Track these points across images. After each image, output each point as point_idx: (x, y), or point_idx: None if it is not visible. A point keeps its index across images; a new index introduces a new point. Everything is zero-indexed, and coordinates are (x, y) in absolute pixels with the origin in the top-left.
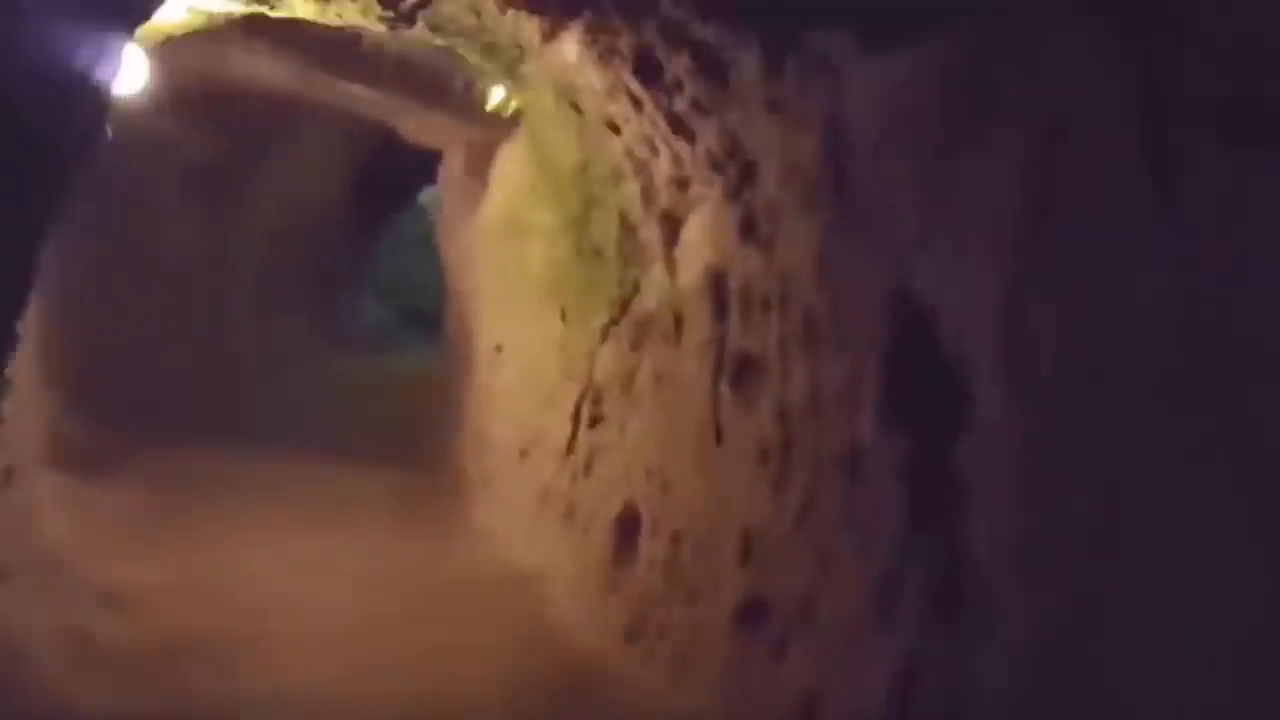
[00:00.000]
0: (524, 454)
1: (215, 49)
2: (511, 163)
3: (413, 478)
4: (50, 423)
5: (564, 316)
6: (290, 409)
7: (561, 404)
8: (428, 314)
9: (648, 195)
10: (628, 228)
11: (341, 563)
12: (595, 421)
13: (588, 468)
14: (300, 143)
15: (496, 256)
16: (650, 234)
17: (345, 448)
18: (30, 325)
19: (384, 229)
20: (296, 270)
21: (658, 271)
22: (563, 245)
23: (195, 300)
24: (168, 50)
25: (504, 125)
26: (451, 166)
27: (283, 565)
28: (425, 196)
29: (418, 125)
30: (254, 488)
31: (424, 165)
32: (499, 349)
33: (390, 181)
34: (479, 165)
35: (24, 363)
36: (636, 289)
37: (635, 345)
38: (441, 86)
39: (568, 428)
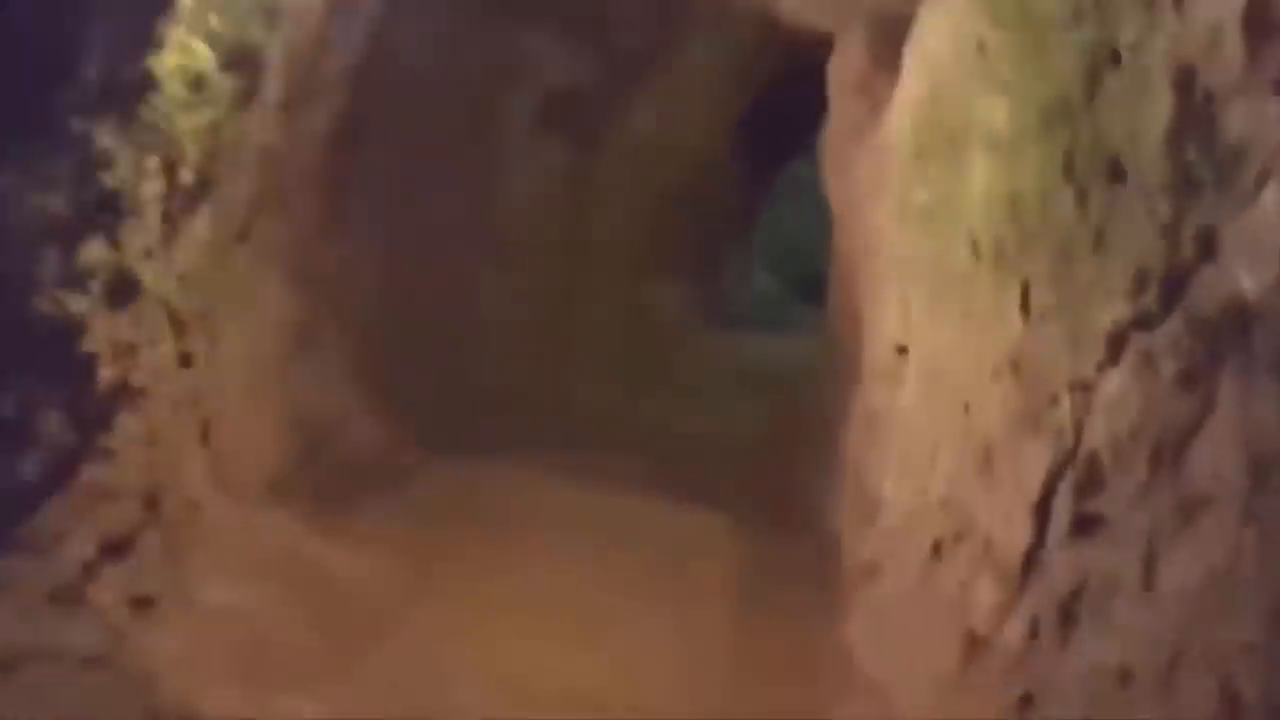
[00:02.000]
0: (938, 549)
1: None
2: (938, 30)
3: (767, 536)
4: (282, 432)
5: (1025, 303)
6: (649, 401)
7: (1013, 474)
8: (823, 283)
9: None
10: (1191, 114)
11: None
12: (1086, 525)
13: (1067, 618)
14: (680, 66)
15: (905, 193)
16: (1257, 123)
17: (694, 468)
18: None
19: (776, 179)
20: (672, 227)
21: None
22: (1034, 160)
23: (540, 263)
24: None
25: None
26: (844, 64)
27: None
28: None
29: None
30: (549, 533)
31: (811, 111)
32: (901, 351)
33: (785, 119)
34: (883, 58)
35: (272, 337)
36: (1206, 251)
37: (1191, 375)
38: None
39: (1025, 526)
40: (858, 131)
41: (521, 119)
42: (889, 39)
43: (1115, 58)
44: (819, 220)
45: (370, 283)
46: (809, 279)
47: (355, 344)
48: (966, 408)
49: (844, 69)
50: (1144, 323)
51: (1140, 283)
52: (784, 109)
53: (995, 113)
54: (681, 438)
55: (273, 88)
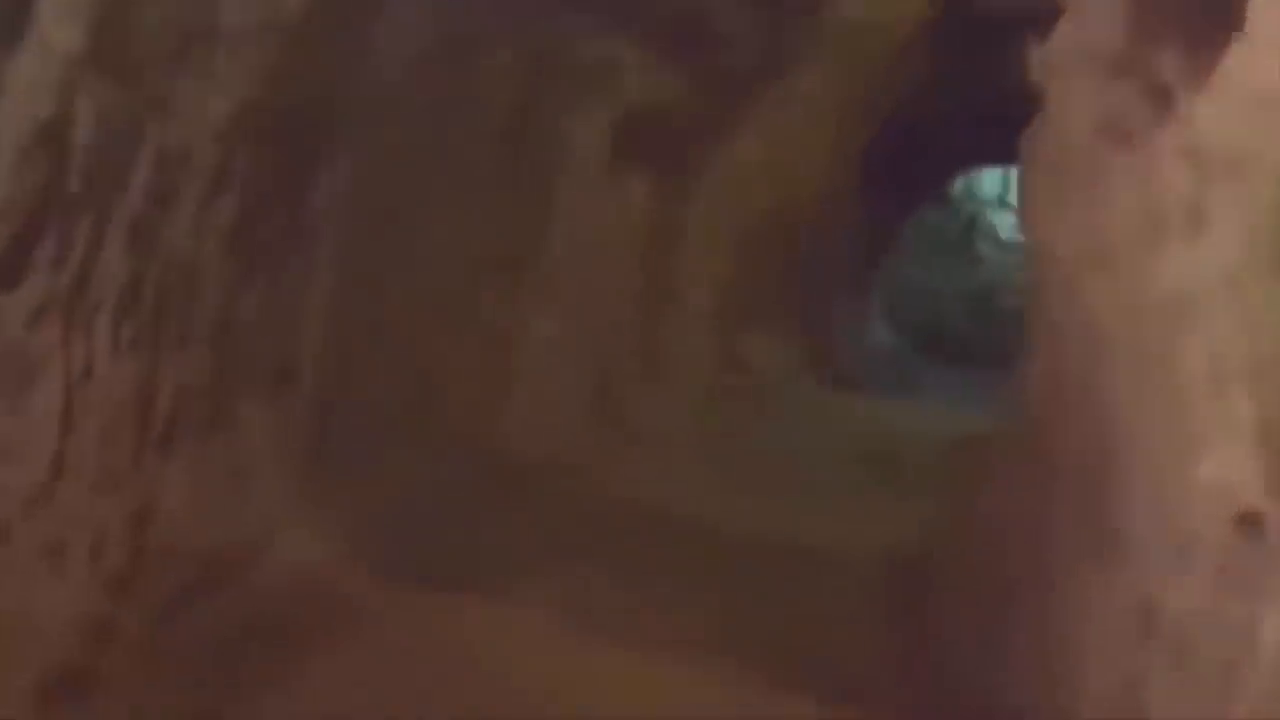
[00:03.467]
0: None
1: None
2: None
3: None
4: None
5: None
6: (735, 496)
7: None
8: (953, 340)
9: None
10: None
11: None
12: None
13: None
14: (795, 86)
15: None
16: None
17: (800, 616)
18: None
19: (902, 226)
20: (778, 272)
21: None
22: None
23: (606, 312)
24: None
25: None
26: (1079, 36)
27: None
28: (961, 187)
29: None
30: None
31: (964, 140)
32: (1251, 523)
33: (915, 161)
34: (1161, 19)
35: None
36: None
37: None
38: None
39: None
40: (1115, 135)
41: (589, 141)
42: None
43: None
44: (952, 274)
45: (321, 333)
46: (933, 333)
47: (291, 421)
48: None
49: (1079, 42)
50: None
51: None
52: (918, 144)
53: None
54: (781, 556)
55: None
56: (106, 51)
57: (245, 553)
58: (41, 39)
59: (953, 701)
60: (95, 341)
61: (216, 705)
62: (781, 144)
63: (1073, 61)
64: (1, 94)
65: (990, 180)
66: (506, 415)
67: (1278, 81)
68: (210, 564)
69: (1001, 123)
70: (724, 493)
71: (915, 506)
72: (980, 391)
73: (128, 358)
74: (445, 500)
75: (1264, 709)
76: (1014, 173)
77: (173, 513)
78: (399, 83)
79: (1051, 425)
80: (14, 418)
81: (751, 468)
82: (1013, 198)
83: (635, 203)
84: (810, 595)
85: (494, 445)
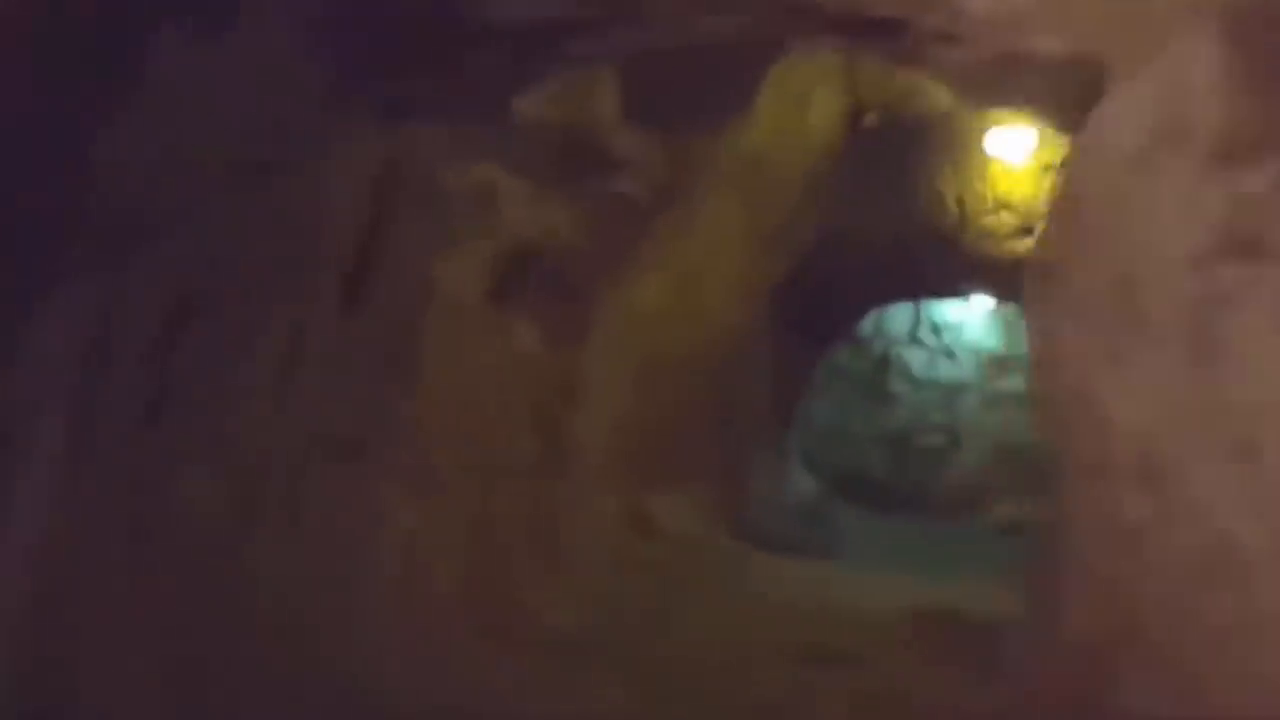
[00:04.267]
0: None
1: None
2: None
3: None
4: None
5: None
6: (655, 694)
7: None
8: (873, 485)
9: None
10: None
11: None
12: None
13: None
14: (699, 218)
15: None
16: None
17: None
18: None
19: (815, 367)
20: (685, 422)
21: None
22: None
23: (488, 489)
24: None
25: None
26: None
27: None
28: (870, 324)
29: None
30: None
31: (876, 275)
32: None
33: (826, 298)
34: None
35: None
36: None
37: None
38: None
39: None
40: (1244, 246)
41: (461, 283)
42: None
43: None
44: (866, 417)
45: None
46: (852, 477)
47: None
48: None
49: (1163, 120)
50: None
51: None
52: (828, 280)
53: None
54: None
55: None
56: None
57: None
58: None
59: None
60: None
61: None
62: (685, 280)
63: (1151, 148)
64: None
65: (900, 317)
66: (359, 639)
67: None
68: None
69: (912, 254)
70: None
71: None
72: (905, 540)
73: None
74: None
75: None
76: (923, 308)
77: None
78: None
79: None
80: None
81: (671, 674)
82: (924, 334)
83: (522, 354)
84: None
85: (345, 682)
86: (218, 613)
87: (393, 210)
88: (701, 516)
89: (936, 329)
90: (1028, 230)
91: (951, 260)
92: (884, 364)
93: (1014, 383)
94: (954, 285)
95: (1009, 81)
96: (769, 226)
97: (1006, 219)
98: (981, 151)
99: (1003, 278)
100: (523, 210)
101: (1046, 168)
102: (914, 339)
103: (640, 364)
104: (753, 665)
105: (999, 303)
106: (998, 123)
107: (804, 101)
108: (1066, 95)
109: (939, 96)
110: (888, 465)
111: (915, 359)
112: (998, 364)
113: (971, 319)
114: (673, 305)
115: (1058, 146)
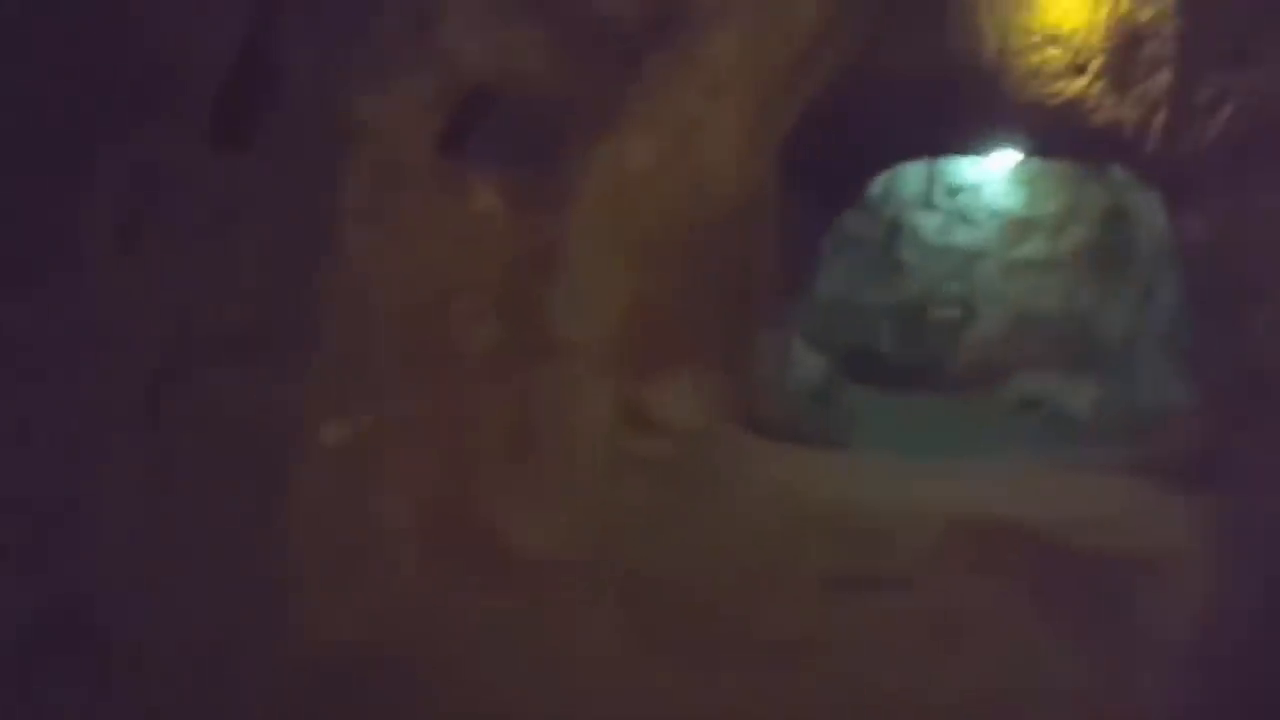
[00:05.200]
0: None
1: None
2: None
3: None
4: None
5: None
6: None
7: None
8: (884, 363)
9: None
10: None
11: None
12: None
13: None
14: (695, 59)
15: None
16: None
17: None
18: None
19: (824, 236)
20: (687, 295)
21: None
22: None
23: (443, 384)
24: None
25: None
26: None
27: None
28: (879, 187)
29: None
30: None
31: (895, 126)
32: None
33: (837, 156)
34: None
35: None
36: None
37: None
38: None
39: None
40: None
41: (401, 131)
42: None
43: None
44: (880, 288)
45: None
46: (861, 355)
47: None
48: None
49: None
50: None
51: None
52: (845, 130)
53: None
54: None
55: None
56: None
57: None
58: None
59: None
60: None
61: None
62: (682, 135)
63: None
64: None
65: (912, 178)
66: (283, 590)
67: None
68: None
69: (945, 99)
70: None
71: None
72: (919, 420)
73: None
74: None
75: None
76: (938, 167)
77: None
78: None
79: None
80: None
81: (673, 603)
82: (938, 196)
83: (483, 218)
84: None
85: (267, 645)
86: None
87: (290, 21)
88: (704, 406)
89: (952, 191)
90: (1080, 69)
91: (990, 105)
92: (894, 230)
93: (1036, 247)
94: (991, 135)
95: None
96: (779, 66)
97: (1054, 55)
98: None
99: (1049, 124)
100: (474, 37)
101: None
102: (927, 203)
103: (630, 233)
104: (769, 589)
105: (1025, 158)
106: None
107: None
108: None
109: None
110: (899, 340)
111: (928, 224)
112: (1019, 227)
113: (991, 179)
114: (668, 164)
115: None
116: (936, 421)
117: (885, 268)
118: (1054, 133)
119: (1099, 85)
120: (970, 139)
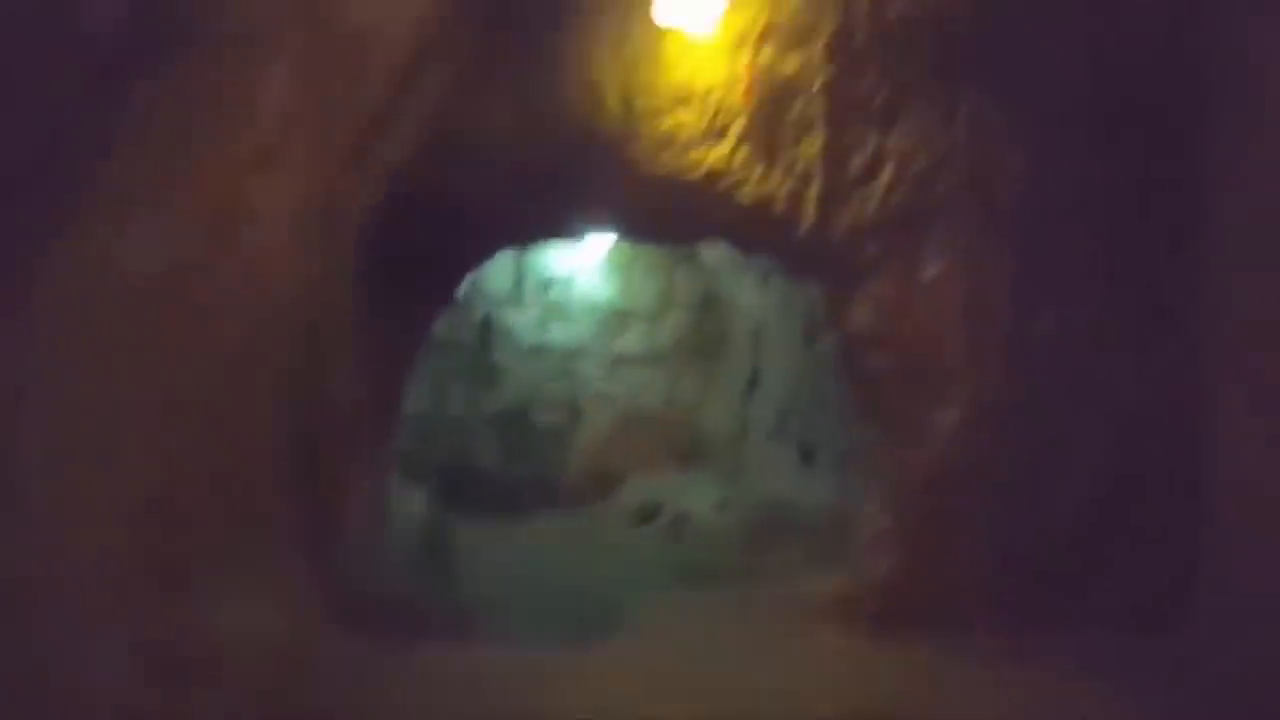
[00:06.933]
0: None
1: None
2: None
3: None
4: None
5: None
6: None
7: None
8: (489, 482)
9: None
10: None
11: None
12: None
13: None
14: (225, 109)
15: None
16: None
17: None
18: None
19: (419, 342)
20: (237, 463)
21: None
22: None
23: None
24: None
25: None
26: None
27: None
28: (466, 284)
29: None
30: None
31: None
32: None
33: (429, 241)
34: None
35: None
36: None
37: None
38: None
39: None
40: None
41: None
42: None
43: None
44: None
45: None
46: (462, 478)
47: None
48: None
49: None
50: None
51: None
52: (438, 211)
53: None
54: None
55: None
56: None
57: None
58: None
59: None
60: None
61: None
62: (219, 215)
63: None
64: None
65: (500, 272)
66: None
67: None
68: None
69: (541, 182)
70: None
71: None
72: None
73: None
74: None
75: None
76: (526, 260)
77: None
78: None
79: None
80: None
81: None
82: (529, 291)
83: None
84: None
85: None
86: None
87: None
88: (282, 615)
89: (543, 285)
90: (720, 133)
91: (614, 179)
92: (486, 331)
93: (636, 339)
94: (614, 216)
95: None
96: (350, 122)
97: (687, 118)
98: (650, 21)
99: (689, 202)
100: None
101: (743, 41)
102: (518, 299)
103: (139, 373)
104: None
105: (618, 243)
106: None
107: None
108: None
109: None
110: (502, 454)
111: (521, 322)
112: (617, 319)
113: (583, 268)
114: (191, 258)
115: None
116: (559, 552)
117: (480, 374)
118: (694, 213)
119: (742, 153)
120: (586, 219)
